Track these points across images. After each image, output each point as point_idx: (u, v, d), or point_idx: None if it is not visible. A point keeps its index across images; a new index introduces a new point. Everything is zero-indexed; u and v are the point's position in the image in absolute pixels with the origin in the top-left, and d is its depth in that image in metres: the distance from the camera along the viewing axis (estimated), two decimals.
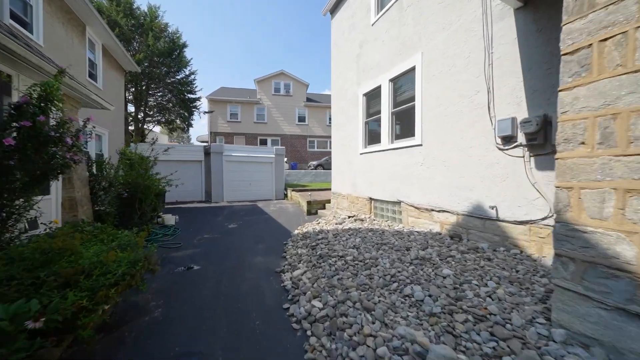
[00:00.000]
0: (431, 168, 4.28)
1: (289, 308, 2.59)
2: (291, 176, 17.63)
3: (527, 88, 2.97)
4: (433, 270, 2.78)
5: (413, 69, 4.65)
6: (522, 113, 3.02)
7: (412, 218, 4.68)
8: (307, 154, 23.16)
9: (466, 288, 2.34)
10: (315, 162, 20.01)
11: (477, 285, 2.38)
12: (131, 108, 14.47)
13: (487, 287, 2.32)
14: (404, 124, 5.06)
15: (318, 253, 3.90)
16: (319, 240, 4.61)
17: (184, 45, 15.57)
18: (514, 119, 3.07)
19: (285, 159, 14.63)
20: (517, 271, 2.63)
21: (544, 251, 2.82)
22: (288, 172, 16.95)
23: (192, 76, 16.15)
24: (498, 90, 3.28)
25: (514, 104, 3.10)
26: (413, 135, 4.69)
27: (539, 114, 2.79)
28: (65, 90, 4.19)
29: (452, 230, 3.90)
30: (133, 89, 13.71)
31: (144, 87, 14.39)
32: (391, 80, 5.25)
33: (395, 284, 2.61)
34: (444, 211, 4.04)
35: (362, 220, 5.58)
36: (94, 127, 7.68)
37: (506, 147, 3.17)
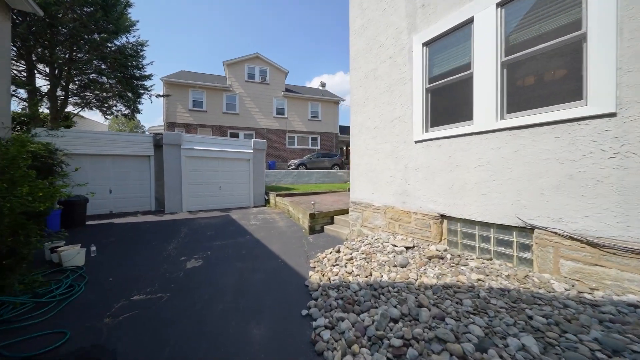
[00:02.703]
0: None
1: None
2: (269, 177, 14.77)
3: None
4: None
5: None
6: None
7: (574, 263, 2.34)
8: (287, 152, 20.26)
9: None
10: (296, 161, 17.29)
11: None
12: (44, 83, 10.24)
13: None
14: (540, 82, 2.72)
15: None
16: (404, 330, 2.02)
17: (128, 4, 11.69)
18: None
19: None
20: None
21: None
22: (266, 172, 13.98)
23: (141, 48, 12.28)
24: None
25: None
26: (577, 97, 2.36)
27: None
28: None
29: None
30: (48, 55, 9.60)
31: (66, 55, 10.28)
32: (502, 3, 2.88)
33: None
34: None
35: (440, 257, 3.10)
36: None
37: None
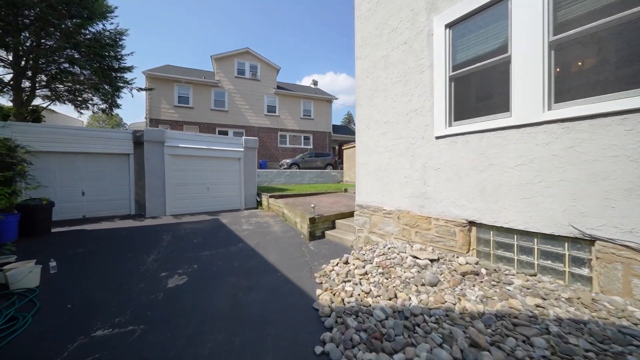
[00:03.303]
0: None
1: None
2: (261, 177, 14.12)
3: None
4: None
5: None
6: None
7: None
8: (278, 151, 19.57)
9: None
10: (289, 160, 16.68)
11: None
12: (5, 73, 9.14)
13: None
14: (600, 65, 2.28)
15: None
16: None
17: None
18: None
19: None
20: None
21: None
22: (257, 172, 13.35)
23: (120, 37, 11.30)
24: None
25: None
26: None
27: None
28: None
29: None
30: (9, 40, 8.53)
31: (33, 43, 9.22)
32: None
33: None
34: None
35: (475, 273, 2.63)
36: None
37: None
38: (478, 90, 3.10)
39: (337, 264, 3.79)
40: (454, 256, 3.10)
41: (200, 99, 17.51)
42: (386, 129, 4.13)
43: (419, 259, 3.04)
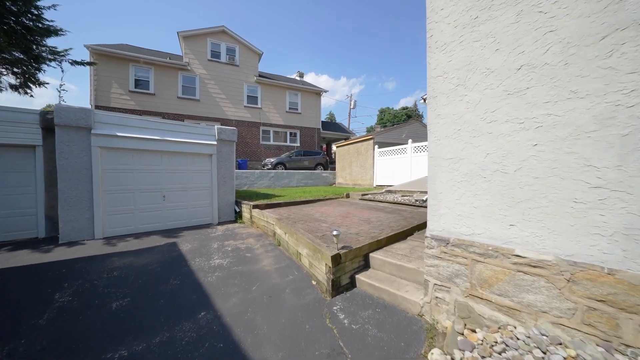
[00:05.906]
0: None
1: None
2: (240, 179, 11.56)
3: None
4: None
5: None
6: None
7: None
8: (261, 149, 16.93)
9: None
10: (273, 160, 14.21)
11: None
12: None
13: None
14: None
15: None
16: None
17: None
18: None
19: None
20: None
21: None
22: (236, 173, 10.83)
23: None
24: None
25: None
26: None
27: None
28: None
29: None
30: None
31: None
32: None
33: None
34: None
35: None
36: None
37: None
38: None
39: None
40: None
41: (164, 84, 14.42)
42: (521, 83, 1.93)
43: None
